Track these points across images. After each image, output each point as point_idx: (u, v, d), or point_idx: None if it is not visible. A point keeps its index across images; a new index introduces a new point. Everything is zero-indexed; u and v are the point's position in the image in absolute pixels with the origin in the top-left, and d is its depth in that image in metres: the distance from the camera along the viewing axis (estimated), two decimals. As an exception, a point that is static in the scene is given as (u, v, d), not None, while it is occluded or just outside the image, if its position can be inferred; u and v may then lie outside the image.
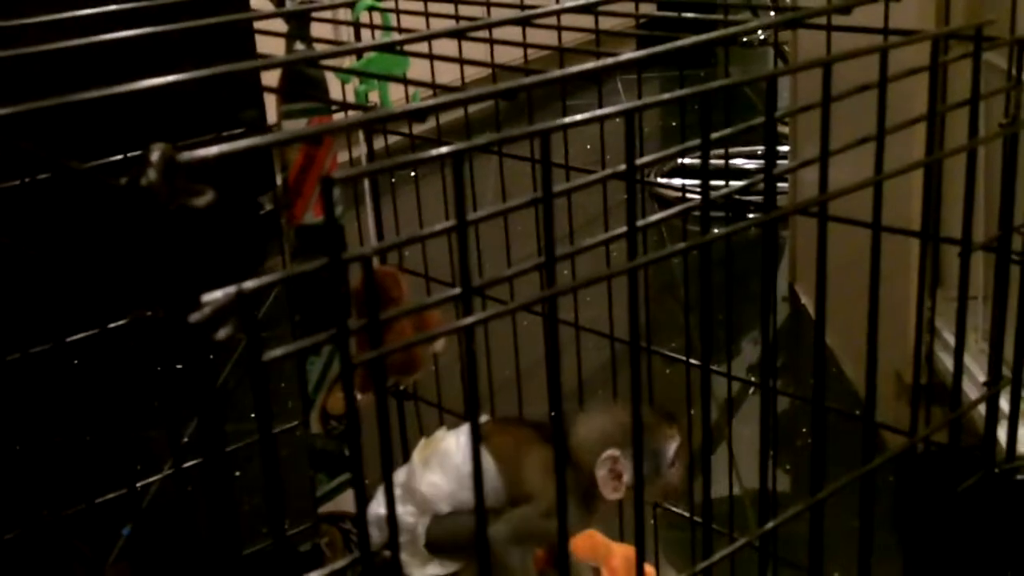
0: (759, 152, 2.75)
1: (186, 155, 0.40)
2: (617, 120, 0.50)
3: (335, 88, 0.89)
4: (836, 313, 1.10)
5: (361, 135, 1.40)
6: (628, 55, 0.52)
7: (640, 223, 0.51)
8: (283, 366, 0.43)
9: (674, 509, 1.26)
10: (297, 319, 0.92)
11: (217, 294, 0.39)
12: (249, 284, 0.40)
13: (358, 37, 1.18)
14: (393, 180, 1.20)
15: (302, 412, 0.98)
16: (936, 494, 0.79)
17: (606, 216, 1.24)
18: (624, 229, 0.50)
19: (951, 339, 1.39)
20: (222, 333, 0.39)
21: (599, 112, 0.48)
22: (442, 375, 1.30)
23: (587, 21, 0.86)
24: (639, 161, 0.51)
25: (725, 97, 0.55)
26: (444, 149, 0.44)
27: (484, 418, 1.13)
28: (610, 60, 0.51)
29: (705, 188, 0.55)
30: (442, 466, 1.05)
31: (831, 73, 0.57)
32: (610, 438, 1.03)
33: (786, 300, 2.17)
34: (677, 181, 2.81)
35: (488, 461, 1.04)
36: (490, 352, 1.29)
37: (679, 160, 2.82)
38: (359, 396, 1.02)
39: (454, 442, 1.07)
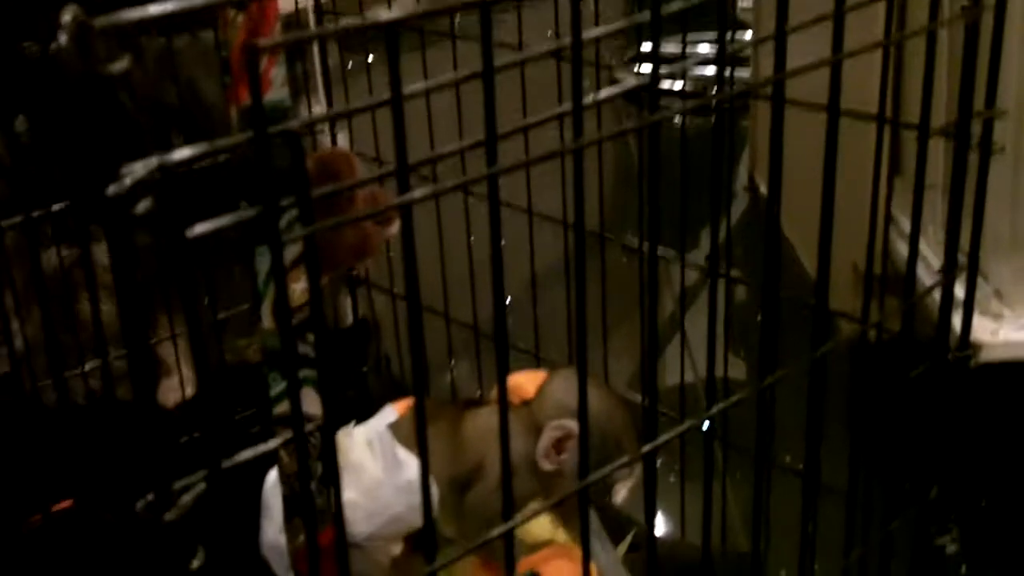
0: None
1: (101, 19, 0.37)
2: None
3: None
4: (794, 205, 1.09)
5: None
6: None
7: (586, 101, 0.49)
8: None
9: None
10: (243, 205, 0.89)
11: (136, 165, 0.37)
12: (172, 156, 0.38)
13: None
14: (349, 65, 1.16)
15: (251, 309, 0.96)
16: (889, 382, 0.79)
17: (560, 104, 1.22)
18: (569, 107, 0.48)
19: (908, 228, 1.38)
20: (141, 207, 0.37)
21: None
22: (395, 263, 1.29)
23: None
24: (587, 34, 0.49)
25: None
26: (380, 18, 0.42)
27: (393, 413, 0.94)
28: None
29: (655, 65, 0.53)
30: (356, 482, 0.87)
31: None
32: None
33: (747, 190, 2.16)
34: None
35: (410, 458, 0.88)
36: (444, 247, 1.27)
37: (641, 48, 2.79)
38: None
39: (366, 451, 0.89)
